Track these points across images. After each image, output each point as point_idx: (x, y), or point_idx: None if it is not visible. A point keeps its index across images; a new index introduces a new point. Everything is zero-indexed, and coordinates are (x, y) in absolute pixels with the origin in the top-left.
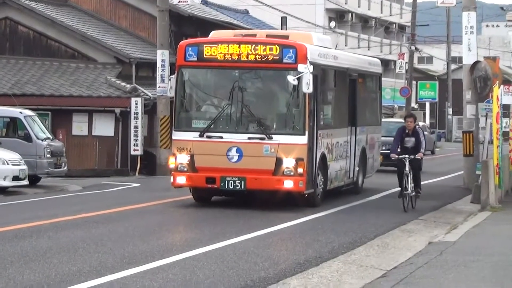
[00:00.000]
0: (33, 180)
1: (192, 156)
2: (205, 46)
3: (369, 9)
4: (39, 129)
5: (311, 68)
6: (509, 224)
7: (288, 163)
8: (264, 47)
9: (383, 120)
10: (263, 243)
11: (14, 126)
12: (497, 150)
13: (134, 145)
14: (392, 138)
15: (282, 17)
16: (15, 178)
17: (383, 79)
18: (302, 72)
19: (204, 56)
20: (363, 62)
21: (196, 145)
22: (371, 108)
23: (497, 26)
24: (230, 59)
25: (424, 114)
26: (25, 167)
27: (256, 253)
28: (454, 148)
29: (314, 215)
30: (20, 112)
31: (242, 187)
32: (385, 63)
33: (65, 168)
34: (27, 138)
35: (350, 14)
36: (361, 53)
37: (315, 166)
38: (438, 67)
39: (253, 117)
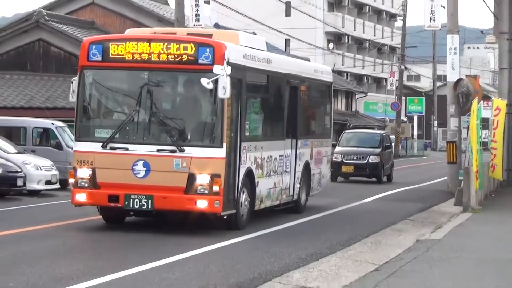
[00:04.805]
0: (64, 184)
1: (93, 170)
2: (111, 44)
3: (363, 32)
4: (69, 139)
5: (228, 70)
6: (488, 224)
7: (202, 180)
8: (178, 45)
9: (356, 130)
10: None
11: (46, 136)
12: (476, 157)
13: None
14: (364, 149)
15: (286, 39)
16: (48, 182)
17: (375, 95)
18: (218, 75)
19: (110, 55)
20: (307, 69)
21: (98, 157)
22: (318, 120)
23: (478, 48)
24: (139, 59)
25: (413, 126)
26: (56, 172)
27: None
28: (439, 156)
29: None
30: (52, 123)
31: (149, 207)
32: (378, 81)
33: None
34: (58, 146)
35: (346, 37)
36: (356, 72)
37: (238, 183)
38: (425, 84)
39: (163, 127)
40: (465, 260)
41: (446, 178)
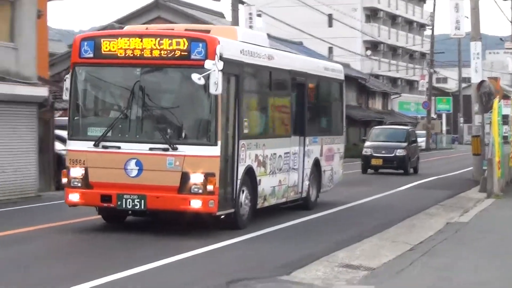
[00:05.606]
0: None
1: (86, 170)
2: (103, 40)
3: (397, 40)
4: None
5: (220, 65)
6: (510, 208)
7: (196, 179)
8: (171, 41)
9: (384, 126)
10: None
11: None
12: (498, 149)
13: None
14: (392, 143)
15: (329, 47)
16: None
17: (408, 95)
18: (210, 70)
19: (102, 52)
20: (315, 66)
21: (90, 156)
22: (329, 117)
23: (497, 53)
24: (132, 55)
25: (441, 123)
26: None
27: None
28: (464, 149)
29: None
30: None
31: (142, 207)
32: (410, 83)
33: None
34: None
35: (382, 45)
36: (391, 75)
37: (236, 182)
38: (452, 85)
39: (156, 124)
40: (490, 240)
41: (471, 168)
